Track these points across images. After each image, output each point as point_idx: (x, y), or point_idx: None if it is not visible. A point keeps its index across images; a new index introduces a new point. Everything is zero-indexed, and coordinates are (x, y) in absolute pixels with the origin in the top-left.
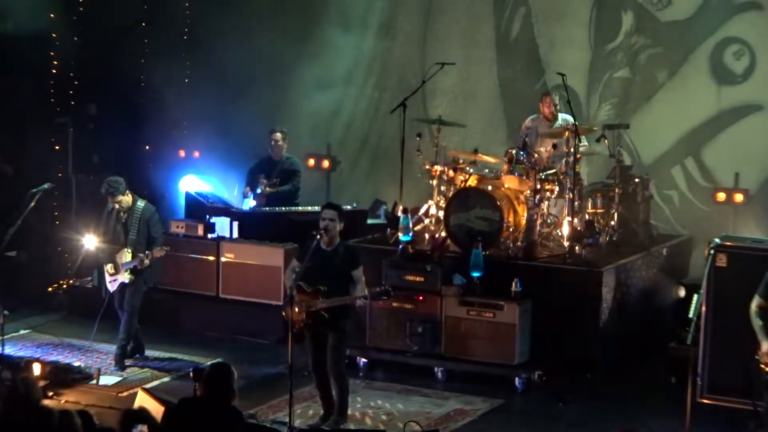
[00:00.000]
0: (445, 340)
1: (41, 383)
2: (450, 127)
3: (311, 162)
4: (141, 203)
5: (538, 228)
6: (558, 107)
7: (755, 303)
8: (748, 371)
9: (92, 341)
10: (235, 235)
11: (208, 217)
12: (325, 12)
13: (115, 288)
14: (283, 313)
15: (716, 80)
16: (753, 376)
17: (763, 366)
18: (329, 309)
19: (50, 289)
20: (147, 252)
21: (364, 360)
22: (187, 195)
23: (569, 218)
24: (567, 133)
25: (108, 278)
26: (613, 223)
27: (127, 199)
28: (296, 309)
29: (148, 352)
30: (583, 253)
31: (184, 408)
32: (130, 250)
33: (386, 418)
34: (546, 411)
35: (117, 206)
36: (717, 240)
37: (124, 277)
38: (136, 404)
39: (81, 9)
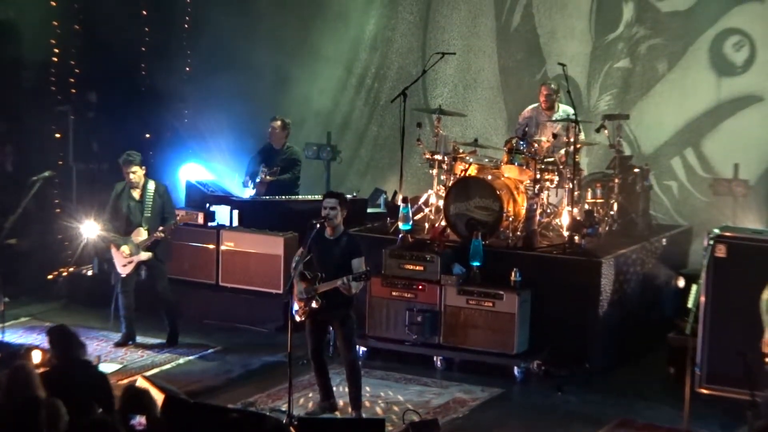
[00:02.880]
0: (444, 330)
1: (41, 370)
2: (450, 116)
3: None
4: (152, 183)
5: (537, 218)
6: (555, 96)
7: (766, 293)
8: (746, 361)
9: (110, 330)
10: (235, 223)
11: (208, 205)
12: (327, 2)
13: (130, 270)
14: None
15: (716, 71)
16: (751, 366)
17: (764, 354)
18: (324, 296)
19: (50, 276)
20: (161, 227)
21: (363, 348)
22: (188, 183)
23: (569, 208)
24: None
25: (121, 261)
26: (612, 213)
27: (141, 172)
28: (297, 297)
29: (148, 340)
30: (582, 243)
31: (52, 381)
32: (145, 228)
33: (385, 407)
34: (545, 400)
35: (132, 177)
36: (716, 230)
37: (142, 256)
38: None
39: None
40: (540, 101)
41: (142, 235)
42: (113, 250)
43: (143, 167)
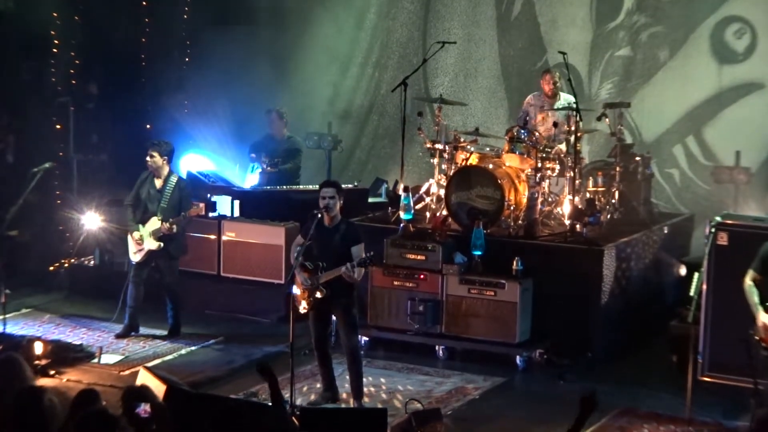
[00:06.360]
0: (446, 319)
1: (43, 362)
2: (451, 105)
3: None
4: (175, 176)
5: (539, 206)
6: (558, 85)
7: (749, 276)
8: (749, 347)
9: (114, 321)
10: (237, 213)
11: (209, 196)
12: None
13: (141, 258)
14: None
15: (717, 59)
16: (753, 353)
17: (758, 340)
18: (327, 286)
19: (52, 268)
20: (170, 219)
21: (365, 338)
22: (189, 174)
23: (570, 197)
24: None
25: (134, 248)
26: (614, 201)
27: (159, 160)
28: (300, 287)
29: (150, 331)
30: (584, 231)
31: None
32: (159, 218)
33: (387, 397)
34: (547, 389)
35: (149, 160)
36: (718, 218)
37: (152, 244)
38: (138, 382)
39: None
40: (543, 89)
41: (154, 224)
42: (128, 237)
43: (164, 158)
